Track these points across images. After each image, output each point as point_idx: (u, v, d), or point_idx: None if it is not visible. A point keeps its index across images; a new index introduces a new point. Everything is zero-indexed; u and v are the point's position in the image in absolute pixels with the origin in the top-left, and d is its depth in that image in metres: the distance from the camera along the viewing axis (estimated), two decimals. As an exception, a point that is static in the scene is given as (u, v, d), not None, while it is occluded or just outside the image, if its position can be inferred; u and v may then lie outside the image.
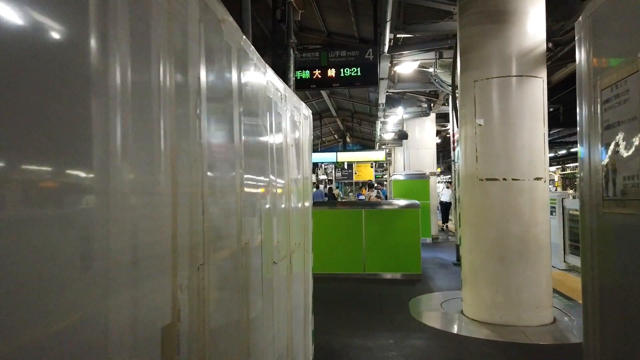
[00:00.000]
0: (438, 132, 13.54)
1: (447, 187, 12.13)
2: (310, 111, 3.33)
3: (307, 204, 3.19)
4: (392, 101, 10.97)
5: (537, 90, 4.12)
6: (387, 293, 5.44)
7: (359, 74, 5.20)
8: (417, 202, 6.25)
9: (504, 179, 4.08)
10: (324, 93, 11.99)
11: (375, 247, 6.19)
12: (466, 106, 4.38)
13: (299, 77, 5.32)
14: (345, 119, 17.15)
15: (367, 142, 22.49)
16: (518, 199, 4.07)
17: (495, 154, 4.14)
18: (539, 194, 4.10)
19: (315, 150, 20.67)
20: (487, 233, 4.19)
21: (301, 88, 5.33)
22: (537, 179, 4.08)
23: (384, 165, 27.04)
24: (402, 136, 10.33)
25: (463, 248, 4.51)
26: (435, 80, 7.41)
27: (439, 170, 20.56)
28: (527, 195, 4.07)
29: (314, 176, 29.85)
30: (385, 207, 6.27)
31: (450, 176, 26.44)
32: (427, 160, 11.57)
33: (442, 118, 13.08)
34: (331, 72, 5.25)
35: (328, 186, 18.03)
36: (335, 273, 6.20)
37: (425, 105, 10.89)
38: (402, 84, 8.67)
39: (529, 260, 4.06)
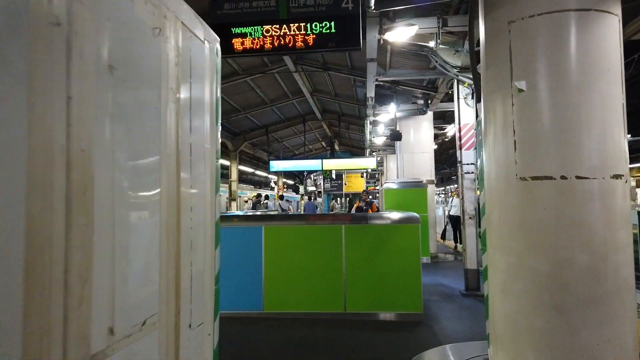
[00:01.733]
0: (435, 137, 12.00)
1: (457, 197, 10.16)
2: (217, 39, 1.73)
3: (207, 219, 1.57)
4: (383, 98, 9.46)
5: (610, 33, 2.57)
6: (377, 345, 3.79)
7: (333, 30, 3.62)
8: (415, 214, 4.65)
9: (562, 177, 2.49)
10: (305, 89, 10.44)
11: (359, 277, 4.55)
12: (495, 65, 2.81)
13: (247, 35, 3.73)
14: (332, 123, 15.61)
15: (357, 150, 20.98)
16: (585, 209, 2.48)
17: (545, 137, 2.56)
18: (617, 200, 2.52)
19: (300, 157, 19.06)
20: (535, 264, 2.58)
21: (251, 53, 3.74)
22: (616, 176, 2.50)
23: (376, 175, 25.56)
24: (395, 137, 8.78)
25: (491, 287, 2.89)
26: (436, 60, 5.88)
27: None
28: (600, 203, 2.49)
29: (301, 187, 28.16)
30: (374, 221, 4.65)
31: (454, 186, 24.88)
32: (423, 166, 10.01)
33: (440, 119, 11.61)
34: (294, 29, 3.66)
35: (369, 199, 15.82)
36: (304, 312, 4.54)
37: (422, 102, 9.37)
38: (394, 70, 7.13)
39: (606, 308, 2.45)
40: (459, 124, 5.98)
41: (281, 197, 16.92)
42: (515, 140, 2.66)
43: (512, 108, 2.67)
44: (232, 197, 14.92)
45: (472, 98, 5.92)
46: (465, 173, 5.91)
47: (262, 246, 4.69)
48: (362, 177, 20.72)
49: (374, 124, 11.02)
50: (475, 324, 4.45)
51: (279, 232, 4.74)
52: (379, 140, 12.26)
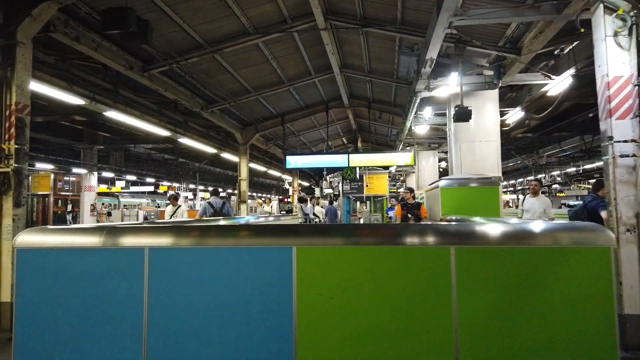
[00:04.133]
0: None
1: (533, 195, 7.10)
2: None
3: None
4: (438, 69, 7.17)
5: None
6: None
7: None
8: (603, 228, 2.39)
9: None
10: (333, 60, 8.21)
11: (490, 347, 2.27)
12: None
13: None
14: (358, 113, 13.38)
15: (382, 148, 18.69)
16: None
17: None
18: None
19: (319, 152, 16.80)
20: None
21: None
22: None
23: (398, 177, 23.17)
24: (461, 116, 6.47)
25: None
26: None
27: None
28: None
29: (317, 190, 25.80)
30: (517, 240, 2.37)
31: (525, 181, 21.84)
32: (488, 158, 7.66)
33: (503, 102, 9.28)
34: None
35: (415, 201, 13.67)
36: None
37: (492, 73, 7.09)
38: (478, 10, 4.85)
39: None
40: (608, 78, 3.69)
41: (303, 200, 14.44)
42: None
43: None
44: (241, 199, 12.73)
45: (629, 34, 3.63)
46: (620, 156, 3.61)
47: (292, 283, 2.46)
48: (388, 177, 18.37)
49: (421, 106, 8.74)
50: None
51: (324, 257, 2.50)
52: (422, 129, 9.96)
